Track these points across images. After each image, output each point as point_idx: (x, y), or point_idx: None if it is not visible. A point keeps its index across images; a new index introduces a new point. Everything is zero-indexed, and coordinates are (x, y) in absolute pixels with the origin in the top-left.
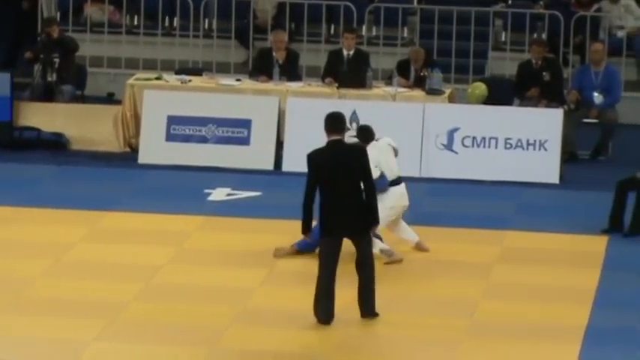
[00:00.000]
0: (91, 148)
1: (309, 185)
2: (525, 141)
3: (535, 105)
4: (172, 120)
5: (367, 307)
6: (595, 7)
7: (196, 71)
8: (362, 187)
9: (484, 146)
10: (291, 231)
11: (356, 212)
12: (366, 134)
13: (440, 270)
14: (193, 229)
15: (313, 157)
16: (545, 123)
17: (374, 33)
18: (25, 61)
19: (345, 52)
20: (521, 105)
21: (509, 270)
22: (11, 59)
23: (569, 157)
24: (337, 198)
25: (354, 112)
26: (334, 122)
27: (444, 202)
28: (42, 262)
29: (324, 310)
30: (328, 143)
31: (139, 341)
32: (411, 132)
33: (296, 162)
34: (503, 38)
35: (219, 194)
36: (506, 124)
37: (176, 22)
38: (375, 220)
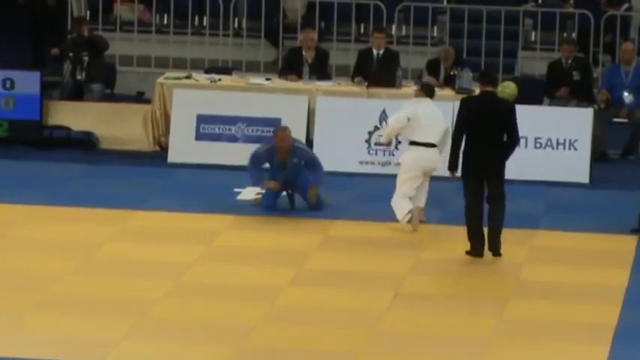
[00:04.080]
0: (121, 147)
1: (456, 126)
2: (555, 140)
3: (565, 104)
4: (202, 119)
5: (494, 246)
6: (625, 6)
7: (226, 70)
8: (503, 137)
9: None
10: (321, 229)
11: (493, 158)
12: (486, 77)
13: (469, 268)
14: (222, 227)
15: (465, 101)
16: (575, 122)
17: (404, 32)
18: (52, 58)
19: (374, 51)
20: (551, 104)
21: (539, 269)
22: (37, 58)
23: (599, 156)
24: (479, 143)
25: (384, 112)
26: (487, 76)
27: None
28: (71, 260)
29: (478, 243)
30: (481, 92)
31: (168, 339)
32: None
33: (326, 161)
34: (533, 37)
35: (248, 193)
36: (536, 123)
37: (206, 21)
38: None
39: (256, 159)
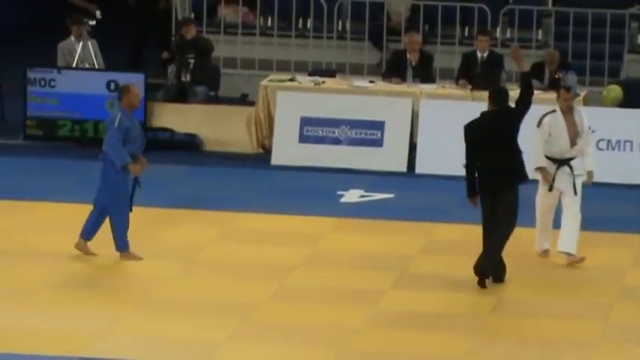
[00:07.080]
0: (224, 149)
1: (466, 152)
2: None
3: None
4: (305, 121)
5: (482, 269)
6: None
7: (330, 73)
8: (512, 150)
9: (619, 149)
10: (424, 232)
11: (500, 173)
12: (494, 97)
13: (572, 274)
14: (326, 230)
15: (466, 127)
16: None
17: (508, 35)
18: (161, 62)
19: (479, 54)
20: None
21: None
22: (136, 60)
23: None
24: (484, 161)
25: None
26: (495, 96)
27: None
28: (174, 263)
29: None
30: (482, 113)
31: (271, 341)
32: None
33: (429, 164)
34: (639, 41)
35: (352, 196)
36: None
37: (310, 23)
38: (521, 175)
39: (120, 130)
